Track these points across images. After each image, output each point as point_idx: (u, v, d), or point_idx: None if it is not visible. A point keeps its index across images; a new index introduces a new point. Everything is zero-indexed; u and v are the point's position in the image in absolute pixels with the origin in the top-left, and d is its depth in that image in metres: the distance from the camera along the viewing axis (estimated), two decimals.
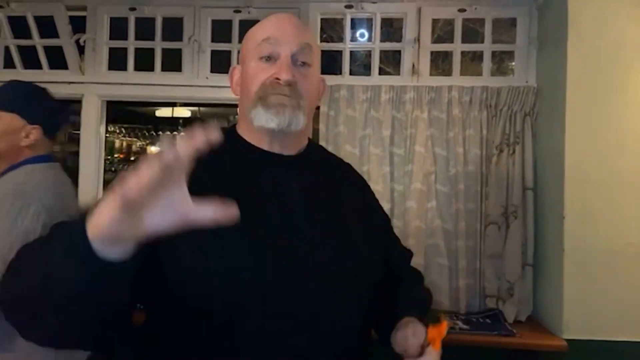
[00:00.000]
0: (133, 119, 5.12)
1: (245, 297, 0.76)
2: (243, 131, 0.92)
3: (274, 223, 0.82)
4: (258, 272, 0.77)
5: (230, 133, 0.93)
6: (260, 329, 0.76)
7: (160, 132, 5.14)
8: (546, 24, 1.94)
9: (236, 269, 0.76)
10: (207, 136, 0.49)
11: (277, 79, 0.85)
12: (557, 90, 1.79)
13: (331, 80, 2.01)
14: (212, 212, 0.53)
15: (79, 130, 2.19)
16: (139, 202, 0.51)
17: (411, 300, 0.99)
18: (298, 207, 0.85)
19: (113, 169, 4.48)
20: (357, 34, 3.31)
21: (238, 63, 0.97)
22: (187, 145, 0.49)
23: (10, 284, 0.63)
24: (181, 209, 0.53)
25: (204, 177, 0.65)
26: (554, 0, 1.84)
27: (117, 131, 5.15)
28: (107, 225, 0.53)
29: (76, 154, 2.23)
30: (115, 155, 5.21)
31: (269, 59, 0.87)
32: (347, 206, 0.94)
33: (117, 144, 5.35)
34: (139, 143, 5.44)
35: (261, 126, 0.86)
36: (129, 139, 5.39)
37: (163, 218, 0.53)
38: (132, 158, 5.36)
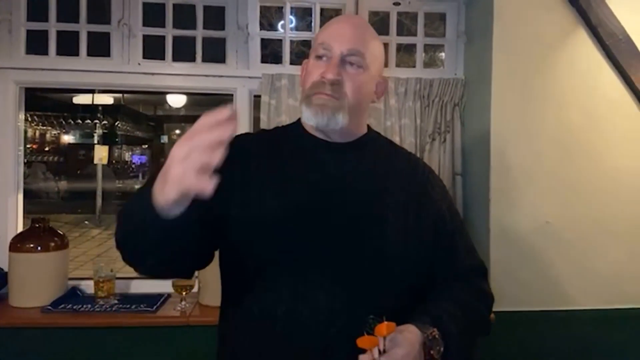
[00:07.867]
0: (47, 105, 4.74)
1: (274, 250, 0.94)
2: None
3: (306, 197, 0.96)
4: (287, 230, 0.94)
5: (296, 122, 1.08)
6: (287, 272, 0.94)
7: (79, 120, 4.82)
8: (473, 18, 2.06)
9: (268, 226, 0.94)
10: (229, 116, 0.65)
11: (324, 77, 0.95)
12: (483, 82, 1.90)
13: (272, 69, 2.01)
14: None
15: None
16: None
17: (430, 309, 0.95)
18: (331, 187, 0.98)
19: (25, 160, 4.13)
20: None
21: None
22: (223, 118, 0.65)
23: (121, 228, 0.87)
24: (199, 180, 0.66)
25: (266, 155, 0.99)
26: None
27: (30, 119, 4.75)
28: (165, 203, 0.71)
29: None
30: (28, 146, 4.80)
31: (322, 57, 0.98)
32: (386, 196, 1.01)
33: (30, 133, 4.94)
34: (54, 132, 5.06)
35: (304, 122, 1.01)
36: (43, 127, 5.00)
37: (189, 181, 0.66)
38: (47, 149, 4.98)
